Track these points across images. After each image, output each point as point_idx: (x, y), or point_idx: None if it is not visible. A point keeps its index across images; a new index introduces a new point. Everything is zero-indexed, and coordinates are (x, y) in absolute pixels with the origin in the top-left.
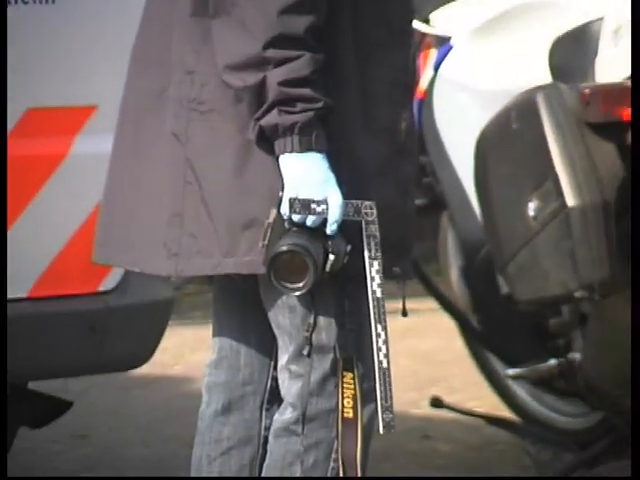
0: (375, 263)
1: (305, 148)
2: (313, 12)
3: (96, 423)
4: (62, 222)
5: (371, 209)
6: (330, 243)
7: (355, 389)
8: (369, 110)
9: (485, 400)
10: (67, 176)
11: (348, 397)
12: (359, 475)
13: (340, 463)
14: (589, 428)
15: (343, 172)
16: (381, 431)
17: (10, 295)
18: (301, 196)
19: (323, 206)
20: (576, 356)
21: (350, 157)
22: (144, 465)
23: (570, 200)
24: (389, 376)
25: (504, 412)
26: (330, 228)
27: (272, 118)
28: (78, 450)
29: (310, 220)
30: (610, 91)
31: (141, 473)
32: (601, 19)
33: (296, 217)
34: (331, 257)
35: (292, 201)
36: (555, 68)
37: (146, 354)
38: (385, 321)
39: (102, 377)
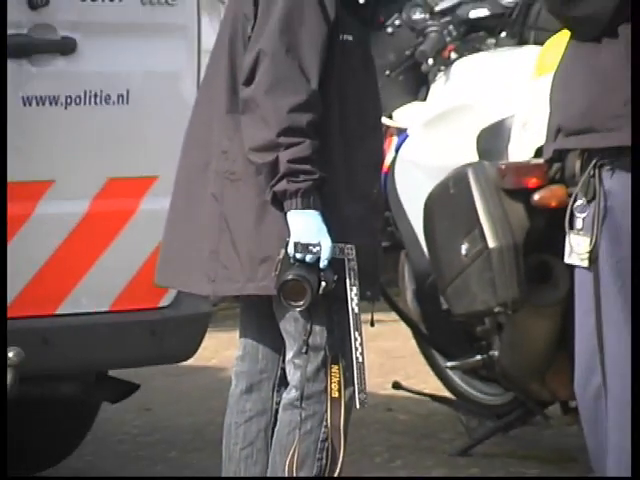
0: (354, 288)
1: (305, 207)
2: (312, 111)
3: (156, 399)
4: (133, 257)
5: (351, 250)
6: (322, 274)
7: (340, 377)
8: (351, 182)
9: (431, 384)
10: (137, 225)
11: (334, 382)
12: (342, 439)
13: (329, 429)
14: (504, 404)
15: (333, 225)
16: (357, 406)
17: (97, 309)
18: (302, 241)
19: (317, 248)
20: (495, 353)
21: (338, 214)
22: (191, 429)
23: (491, 243)
24: (364, 368)
25: (444, 392)
26: (322, 263)
27: (282, 186)
28: (143, 419)
29: (308, 258)
30: (519, 167)
31: (189, 436)
32: (512, 116)
33: (298, 255)
34: (323, 284)
35: (296, 244)
36: (481, 150)
37: (191, 351)
38: (360, 329)
39: (161, 367)
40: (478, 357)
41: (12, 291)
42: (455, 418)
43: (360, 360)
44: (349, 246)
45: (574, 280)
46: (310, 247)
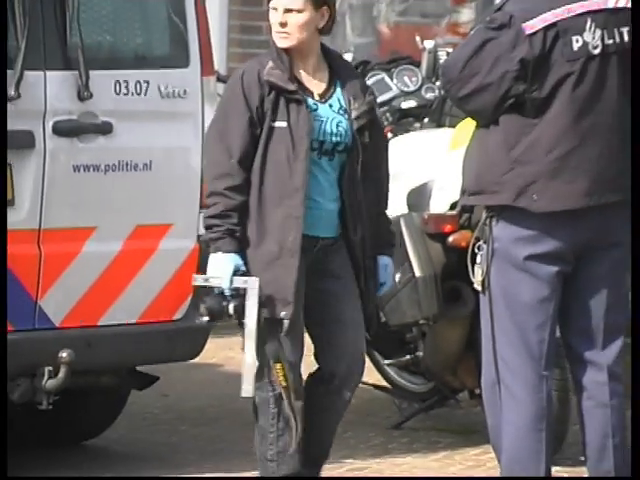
0: (253, 309)
1: (215, 251)
2: (231, 179)
3: (171, 388)
4: (154, 283)
5: (255, 282)
6: (228, 299)
7: (284, 371)
8: (266, 230)
9: (373, 376)
10: (157, 260)
11: (281, 376)
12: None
13: (281, 410)
14: (426, 391)
15: (248, 262)
16: (242, 395)
17: (128, 321)
18: (206, 275)
19: (217, 280)
20: (420, 354)
21: (252, 254)
22: (197, 410)
23: (417, 273)
24: (250, 367)
25: (383, 383)
26: (226, 292)
27: (205, 235)
28: (161, 402)
29: (213, 286)
30: (438, 217)
31: (196, 414)
32: (432, 180)
33: (201, 284)
34: (230, 306)
35: (206, 277)
36: (410, 205)
37: (197, 352)
38: (253, 337)
39: (174, 363)
40: (408, 357)
41: (65, 308)
42: (390, 401)
43: (249, 361)
44: (252, 278)
45: (478, 300)
46: (210, 279)
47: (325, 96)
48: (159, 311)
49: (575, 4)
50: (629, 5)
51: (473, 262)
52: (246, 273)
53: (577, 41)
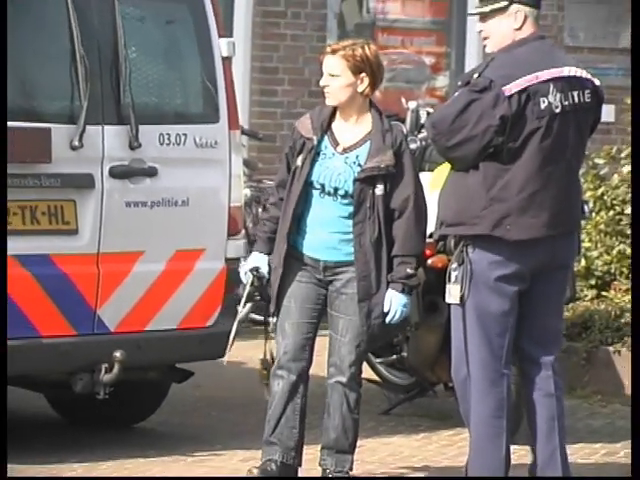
0: (242, 300)
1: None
2: (271, 197)
3: (205, 380)
4: (190, 297)
5: (249, 277)
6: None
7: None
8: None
9: (367, 371)
10: (193, 278)
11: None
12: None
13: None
14: (409, 384)
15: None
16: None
17: (169, 327)
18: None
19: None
20: (405, 354)
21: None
22: (225, 398)
23: None
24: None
25: (374, 377)
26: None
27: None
28: (196, 392)
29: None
30: None
31: (224, 401)
32: None
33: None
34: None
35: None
36: None
37: (224, 352)
38: (238, 324)
39: (206, 361)
40: (395, 356)
41: (118, 316)
42: (380, 392)
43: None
44: (248, 275)
45: (450, 311)
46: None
47: (348, 149)
48: (194, 319)
49: (541, 72)
50: (578, 74)
51: (449, 281)
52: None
53: (543, 102)
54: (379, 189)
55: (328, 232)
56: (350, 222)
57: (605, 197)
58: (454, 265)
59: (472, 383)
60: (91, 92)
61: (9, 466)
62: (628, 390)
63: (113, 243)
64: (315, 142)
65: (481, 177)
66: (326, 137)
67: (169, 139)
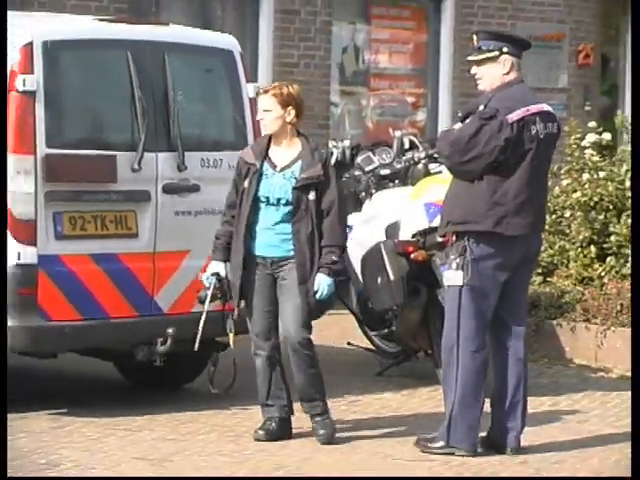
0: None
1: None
2: (223, 217)
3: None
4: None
5: (211, 280)
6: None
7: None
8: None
9: (364, 342)
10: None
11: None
12: None
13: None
14: (397, 351)
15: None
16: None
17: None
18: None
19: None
20: (393, 328)
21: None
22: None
23: (391, 277)
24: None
25: (370, 346)
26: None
27: None
28: (229, 360)
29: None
30: (404, 242)
31: (252, 367)
32: (400, 220)
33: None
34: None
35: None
36: (387, 234)
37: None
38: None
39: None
40: (386, 330)
41: (170, 301)
42: (374, 358)
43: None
44: (211, 279)
45: (431, 294)
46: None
47: (284, 168)
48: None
49: (531, 106)
50: (550, 110)
51: (449, 267)
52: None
53: (533, 129)
54: (311, 195)
55: (272, 234)
56: (289, 224)
57: (549, 204)
58: (453, 256)
59: (461, 350)
60: (147, 126)
61: (90, 419)
62: (568, 355)
63: (165, 244)
64: (258, 166)
65: (485, 186)
66: (265, 161)
67: (208, 163)
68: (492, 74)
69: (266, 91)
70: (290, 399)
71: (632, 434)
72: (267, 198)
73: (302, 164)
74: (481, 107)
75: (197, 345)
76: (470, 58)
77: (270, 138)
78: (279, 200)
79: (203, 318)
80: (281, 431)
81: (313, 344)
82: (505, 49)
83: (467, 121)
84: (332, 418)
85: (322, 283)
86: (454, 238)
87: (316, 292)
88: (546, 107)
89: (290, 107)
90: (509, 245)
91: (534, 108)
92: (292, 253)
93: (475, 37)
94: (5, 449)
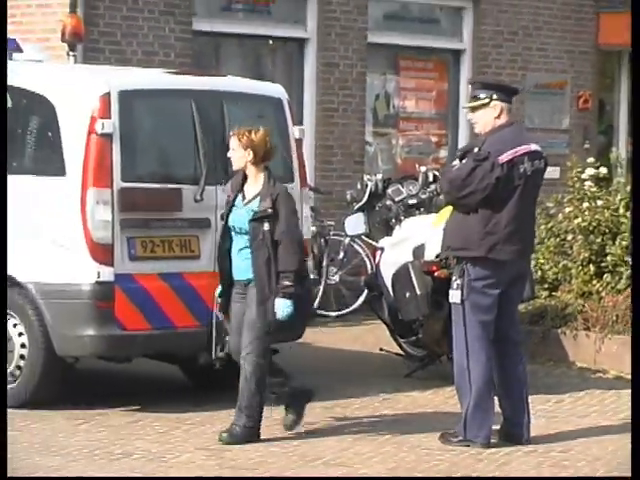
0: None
1: None
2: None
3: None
4: None
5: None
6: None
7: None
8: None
9: (394, 347)
10: None
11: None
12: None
13: None
14: (423, 355)
15: None
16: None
17: None
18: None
19: None
20: (420, 335)
21: None
22: (302, 364)
23: (418, 292)
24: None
25: (400, 352)
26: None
27: None
28: (281, 359)
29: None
30: (429, 262)
31: (300, 368)
32: (425, 243)
33: None
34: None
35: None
36: (414, 255)
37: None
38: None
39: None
40: (413, 337)
41: None
42: (403, 362)
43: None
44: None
45: (451, 307)
46: None
47: (249, 201)
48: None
49: (519, 148)
50: (537, 148)
51: (451, 288)
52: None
53: (521, 168)
54: (266, 226)
55: (241, 259)
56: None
57: (553, 229)
58: (455, 277)
59: (471, 359)
60: (208, 163)
61: (160, 415)
62: (571, 359)
63: None
64: (232, 198)
65: (479, 217)
66: (239, 194)
67: None
68: (485, 119)
69: (234, 134)
70: (261, 409)
71: (632, 434)
72: (234, 227)
73: (260, 199)
74: (476, 149)
75: (214, 354)
76: (465, 105)
77: (246, 174)
78: (241, 229)
79: (214, 332)
80: (247, 435)
81: (260, 365)
82: (495, 96)
83: (464, 161)
84: (239, 431)
85: (280, 306)
86: (455, 262)
87: (275, 313)
88: (533, 147)
89: (249, 149)
90: (500, 268)
91: (522, 149)
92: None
93: (470, 86)
94: (5, 449)
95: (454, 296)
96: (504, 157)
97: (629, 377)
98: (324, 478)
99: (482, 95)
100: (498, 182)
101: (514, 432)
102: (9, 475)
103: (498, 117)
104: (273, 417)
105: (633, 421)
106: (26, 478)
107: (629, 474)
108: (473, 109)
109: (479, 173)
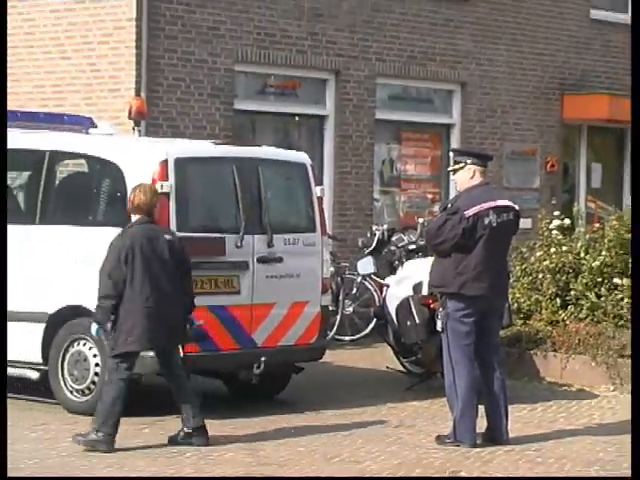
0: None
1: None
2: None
3: (309, 371)
4: (301, 328)
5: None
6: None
7: None
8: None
9: (397, 365)
10: (302, 317)
11: None
12: None
13: None
14: (421, 372)
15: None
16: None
17: (291, 344)
18: None
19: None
20: (420, 355)
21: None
22: (322, 380)
23: (417, 320)
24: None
25: (402, 369)
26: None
27: None
28: (302, 379)
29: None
30: (425, 296)
31: (321, 385)
32: (423, 281)
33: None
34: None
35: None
36: (414, 290)
37: (320, 357)
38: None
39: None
40: (413, 357)
41: (263, 338)
42: (406, 378)
43: None
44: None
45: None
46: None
47: None
48: (304, 339)
49: (485, 204)
50: (506, 203)
51: (437, 317)
52: None
53: (486, 220)
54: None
55: None
56: None
57: (527, 269)
58: (439, 309)
59: (456, 375)
60: (246, 217)
61: (207, 421)
62: (542, 374)
63: (259, 298)
64: None
65: (452, 260)
66: None
67: (289, 241)
68: (462, 179)
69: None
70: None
71: (632, 434)
72: None
73: None
74: (449, 205)
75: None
76: (449, 169)
77: None
78: None
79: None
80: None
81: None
82: (469, 161)
83: (438, 215)
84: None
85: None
86: (440, 297)
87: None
88: (500, 202)
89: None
90: (472, 302)
91: (487, 205)
92: None
93: (452, 153)
94: (5, 449)
95: (438, 324)
96: (470, 211)
97: (589, 390)
98: (323, 478)
99: (459, 160)
100: (465, 232)
101: (496, 435)
102: (9, 475)
103: (472, 178)
104: (300, 423)
105: (633, 423)
106: (26, 478)
107: (593, 471)
108: (454, 171)
109: (449, 225)
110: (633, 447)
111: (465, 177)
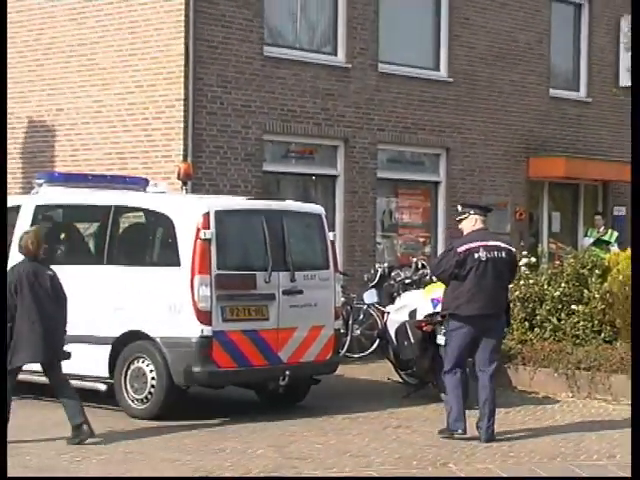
0: None
1: None
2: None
3: (324, 383)
4: (318, 347)
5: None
6: None
7: None
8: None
9: (396, 377)
10: (319, 339)
11: None
12: None
13: None
14: (417, 383)
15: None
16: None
17: (310, 360)
18: None
19: None
20: (415, 369)
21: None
22: (336, 391)
23: (412, 340)
24: None
25: (400, 380)
26: None
27: None
28: (320, 389)
29: None
30: (419, 320)
31: (335, 394)
32: (417, 308)
33: None
34: None
35: None
36: (410, 316)
37: (334, 370)
38: None
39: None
40: (410, 370)
41: (287, 355)
42: (403, 387)
43: None
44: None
45: (435, 350)
46: None
47: None
48: (321, 356)
49: (476, 243)
50: (497, 244)
51: (439, 333)
52: None
53: (476, 255)
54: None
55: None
56: None
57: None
58: (443, 326)
59: (449, 375)
60: (273, 257)
61: (242, 425)
62: (514, 384)
63: (284, 323)
64: None
65: (451, 287)
66: None
67: (308, 277)
68: (466, 226)
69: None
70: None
71: (632, 434)
72: None
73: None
74: (449, 244)
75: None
76: (457, 218)
77: None
78: None
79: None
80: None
81: None
82: (472, 212)
83: (440, 253)
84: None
85: None
86: (441, 318)
87: None
88: (492, 243)
89: None
90: (467, 321)
91: (477, 244)
92: None
93: (459, 206)
94: (5, 450)
95: (440, 339)
96: (461, 248)
97: (552, 397)
98: (321, 478)
99: (464, 211)
100: (457, 264)
101: (479, 433)
102: (9, 475)
103: (474, 225)
104: (319, 425)
105: (633, 422)
106: (26, 478)
107: (557, 462)
108: (460, 220)
109: (446, 259)
110: (633, 447)
111: (469, 224)
